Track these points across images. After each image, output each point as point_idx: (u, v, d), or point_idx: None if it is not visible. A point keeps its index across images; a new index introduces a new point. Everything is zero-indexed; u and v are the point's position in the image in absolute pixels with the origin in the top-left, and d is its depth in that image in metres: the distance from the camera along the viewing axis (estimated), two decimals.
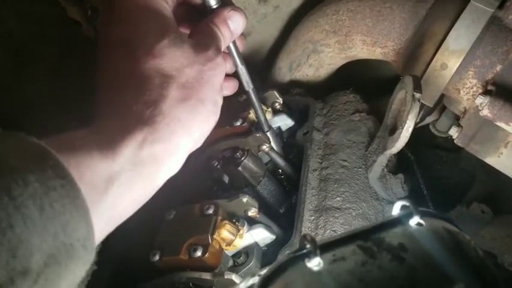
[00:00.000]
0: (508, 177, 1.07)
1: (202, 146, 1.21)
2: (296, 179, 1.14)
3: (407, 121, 0.83)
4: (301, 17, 1.38)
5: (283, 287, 0.47)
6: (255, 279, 0.67)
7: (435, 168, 1.46)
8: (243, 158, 1.08)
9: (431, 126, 1.25)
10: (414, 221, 0.55)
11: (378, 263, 0.49)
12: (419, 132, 1.42)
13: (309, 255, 0.48)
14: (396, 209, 0.57)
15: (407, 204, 0.56)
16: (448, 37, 0.97)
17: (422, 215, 0.56)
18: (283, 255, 0.89)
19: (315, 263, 0.48)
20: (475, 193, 1.24)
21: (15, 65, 0.93)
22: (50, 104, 0.98)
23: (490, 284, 0.51)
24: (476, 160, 1.39)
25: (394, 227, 0.54)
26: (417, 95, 0.82)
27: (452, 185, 1.38)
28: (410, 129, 0.84)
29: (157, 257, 0.87)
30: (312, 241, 0.49)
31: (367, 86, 1.42)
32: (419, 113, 1.24)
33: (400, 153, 1.09)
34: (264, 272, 0.49)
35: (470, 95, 1.02)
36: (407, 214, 0.55)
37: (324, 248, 0.50)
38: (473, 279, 0.50)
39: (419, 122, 1.32)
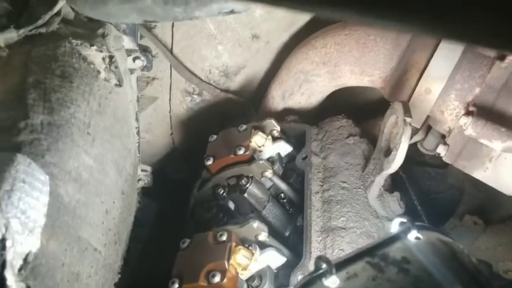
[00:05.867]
0: (495, 189, 1.16)
1: (207, 175, 1.29)
2: (298, 201, 1.21)
3: (401, 144, 0.91)
4: (290, 50, 1.49)
5: None
6: None
7: (426, 184, 1.54)
8: (247, 185, 1.14)
9: (419, 145, 1.34)
10: (412, 235, 0.62)
11: (386, 277, 0.56)
12: (407, 151, 1.51)
13: (326, 274, 0.55)
14: (395, 226, 0.64)
15: (405, 220, 0.63)
16: (429, 65, 1.07)
17: (419, 229, 0.63)
18: (298, 277, 0.95)
19: (331, 282, 0.55)
20: (465, 206, 1.32)
21: None
22: None
23: (485, 286, 0.59)
24: (463, 175, 1.48)
25: (395, 242, 0.61)
26: (408, 119, 0.90)
27: (443, 199, 1.46)
28: (404, 151, 0.92)
29: (176, 285, 0.92)
30: (328, 261, 0.55)
31: (356, 109, 1.51)
32: None
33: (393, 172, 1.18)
34: None
35: (453, 116, 1.12)
36: (405, 229, 0.62)
37: (337, 266, 0.57)
38: (469, 283, 0.57)
39: None
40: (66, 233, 0.66)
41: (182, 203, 1.32)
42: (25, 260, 0.57)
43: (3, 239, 0.53)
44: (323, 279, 0.55)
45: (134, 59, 1.05)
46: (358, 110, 1.52)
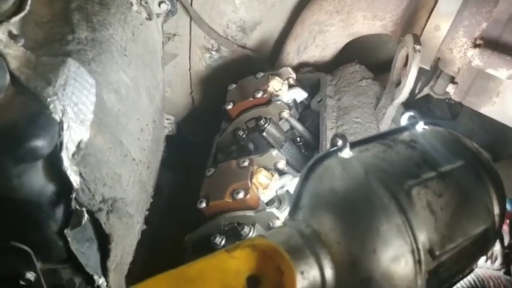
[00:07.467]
0: (503, 126, 1.21)
1: (227, 119, 1.37)
2: (314, 143, 1.28)
3: (411, 69, 0.97)
4: (304, 5, 1.54)
5: (324, 170, 0.61)
6: None
7: None
8: (266, 125, 1.22)
9: (429, 90, 1.39)
10: (420, 126, 0.69)
11: (396, 150, 0.63)
12: (417, 105, 1.57)
13: (341, 149, 0.62)
14: (404, 119, 0.71)
15: (413, 113, 0.70)
16: (438, 2, 1.12)
17: (426, 122, 0.70)
18: None
19: (345, 153, 0.62)
20: None
21: None
22: None
23: (485, 164, 0.65)
24: (472, 123, 1.53)
25: (404, 132, 0.68)
26: (418, 47, 0.97)
27: None
28: (414, 77, 0.98)
29: (203, 204, 1.01)
30: (343, 136, 0.63)
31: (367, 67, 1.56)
32: (417, 80, 1.39)
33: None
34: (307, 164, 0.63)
35: (462, 53, 1.17)
36: (413, 123, 0.69)
37: (351, 145, 0.64)
38: (472, 159, 0.64)
39: (417, 93, 1.46)
40: (110, 133, 0.74)
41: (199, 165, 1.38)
42: (78, 146, 0.65)
43: (61, 122, 0.62)
44: (338, 152, 0.62)
45: (159, 4, 1.12)
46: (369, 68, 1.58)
